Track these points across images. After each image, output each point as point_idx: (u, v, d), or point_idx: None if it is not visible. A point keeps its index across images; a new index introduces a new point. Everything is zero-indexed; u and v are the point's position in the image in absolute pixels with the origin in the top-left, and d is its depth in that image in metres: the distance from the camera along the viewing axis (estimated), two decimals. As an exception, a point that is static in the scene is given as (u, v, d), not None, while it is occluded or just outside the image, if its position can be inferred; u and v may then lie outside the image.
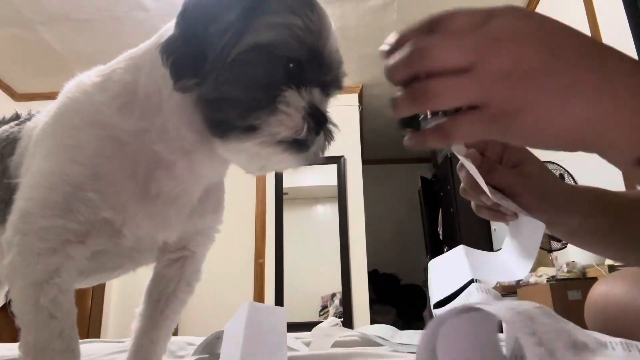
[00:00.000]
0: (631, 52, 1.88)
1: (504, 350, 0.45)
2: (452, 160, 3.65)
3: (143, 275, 0.74)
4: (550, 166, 1.64)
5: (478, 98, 0.35)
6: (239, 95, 0.50)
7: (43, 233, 0.53)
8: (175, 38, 0.52)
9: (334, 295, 3.56)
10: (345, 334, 1.08)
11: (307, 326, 1.20)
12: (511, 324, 0.32)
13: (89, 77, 0.61)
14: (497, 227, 3.36)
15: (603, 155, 0.35)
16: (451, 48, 0.35)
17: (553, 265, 2.37)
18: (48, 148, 0.58)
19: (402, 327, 1.21)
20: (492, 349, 0.44)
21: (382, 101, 4.17)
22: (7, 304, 0.62)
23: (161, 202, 0.59)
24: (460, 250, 0.53)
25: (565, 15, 2.52)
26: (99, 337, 3.33)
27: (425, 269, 4.40)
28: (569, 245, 2.20)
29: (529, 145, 0.39)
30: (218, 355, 0.56)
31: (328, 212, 3.86)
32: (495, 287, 0.50)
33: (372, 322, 3.05)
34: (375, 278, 4.67)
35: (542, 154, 0.57)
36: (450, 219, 3.73)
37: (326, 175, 3.72)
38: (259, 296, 3.47)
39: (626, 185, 1.79)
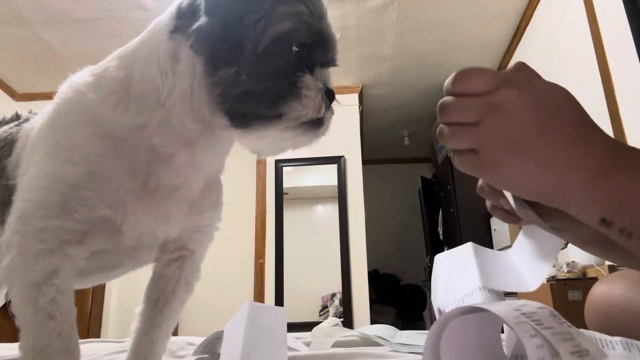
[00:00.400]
0: (631, 52, 1.88)
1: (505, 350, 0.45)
2: (452, 160, 3.65)
3: (143, 275, 0.74)
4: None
5: (474, 146, 0.43)
6: (267, 87, 0.52)
7: (41, 234, 0.53)
8: (211, 27, 0.53)
9: (334, 295, 3.56)
10: (345, 334, 1.08)
11: (307, 326, 1.21)
12: (514, 325, 0.32)
13: (82, 77, 0.61)
14: (497, 227, 3.36)
15: (571, 213, 0.41)
16: (461, 110, 0.43)
17: (553, 265, 2.37)
18: (44, 149, 0.58)
19: (402, 327, 1.21)
20: (495, 349, 0.44)
21: (382, 101, 4.18)
22: (7, 304, 0.62)
23: (160, 196, 0.59)
24: (468, 248, 0.52)
25: (565, 15, 2.52)
26: (99, 337, 3.34)
27: (425, 269, 4.40)
28: (569, 245, 2.20)
29: (511, 192, 0.46)
30: (218, 355, 0.56)
31: (328, 212, 3.87)
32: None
33: (372, 322, 3.05)
34: (375, 278, 4.67)
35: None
36: (450, 219, 3.73)
37: (326, 175, 3.72)
38: (259, 296, 3.47)
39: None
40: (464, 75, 0.43)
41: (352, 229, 3.56)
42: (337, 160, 3.68)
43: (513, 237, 2.91)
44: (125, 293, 3.71)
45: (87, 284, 0.73)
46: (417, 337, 0.93)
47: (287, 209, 3.67)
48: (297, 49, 0.55)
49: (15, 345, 0.56)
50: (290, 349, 0.90)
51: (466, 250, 0.51)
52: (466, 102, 0.43)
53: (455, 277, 0.50)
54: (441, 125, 0.46)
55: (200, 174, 0.63)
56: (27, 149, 0.64)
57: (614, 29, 2.06)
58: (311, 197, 4.01)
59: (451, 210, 3.68)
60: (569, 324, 0.33)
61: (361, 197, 3.64)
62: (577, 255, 2.10)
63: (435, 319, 0.45)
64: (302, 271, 3.58)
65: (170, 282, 0.69)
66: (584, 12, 2.28)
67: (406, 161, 5.38)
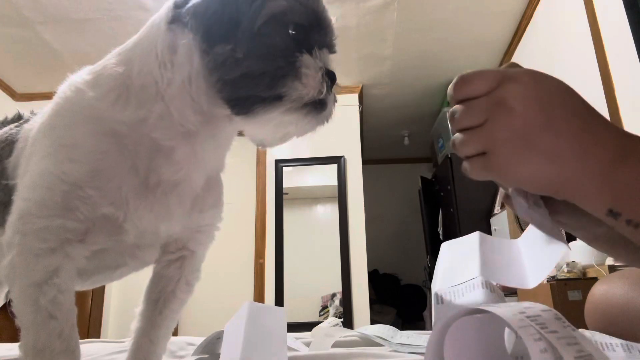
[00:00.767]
0: (631, 52, 1.88)
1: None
2: (452, 160, 3.65)
3: (143, 276, 0.74)
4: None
5: (483, 148, 0.42)
6: (265, 67, 0.52)
7: (42, 233, 0.53)
8: (207, 4, 0.53)
9: (334, 295, 3.56)
10: (345, 334, 1.08)
11: (307, 326, 1.21)
12: (519, 328, 0.32)
13: (80, 76, 0.62)
14: (498, 227, 3.36)
15: (580, 205, 0.41)
16: (467, 114, 0.43)
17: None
18: (45, 148, 0.58)
19: (402, 327, 1.21)
20: (499, 350, 0.44)
21: (382, 101, 4.17)
22: (7, 304, 0.62)
23: (161, 191, 0.59)
24: (475, 237, 0.51)
25: (565, 15, 2.52)
26: (99, 337, 3.34)
27: (425, 269, 4.40)
28: (569, 245, 2.20)
29: (515, 188, 0.46)
30: (218, 355, 0.56)
31: (328, 212, 3.86)
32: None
33: (372, 322, 3.05)
34: (375, 278, 4.67)
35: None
36: (450, 219, 3.73)
37: (326, 175, 3.72)
38: (259, 296, 3.47)
39: None
40: (464, 80, 0.44)
41: (352, 229, 3.55)
42: (337, 160, 3.67)
43: (513, 238, 2.90)
44: (125, 293, 3.71)
45: (90, 284, 0.73)
46: (417, 337, 0.93)
47: (287, 209, 3.67)
48: (294, 32, 0.54)
49: (15, 345, 0.56)
50: (290, 349, 0.90)
51: (472, 239, 0.51)
52: (470, 105, 0.43)
53: (456, 265, 0.49)
54: (453, 136, 0.46)
55: (201, 169, 0.62)
56: (27, 149, 0.64)
57: (614, 29, 2.06)
58: (311, 197, 4.01)
59: (451, 210, 3.68)
60: (573, 327, 0.33)
61: (361, 197, 3.64)
62: (577, 255, 2.10)
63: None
64: (302, 271, 3.58)
65: (171, 282, 0.69)
66: (584, 12, 2.28)
67: (406, 161, 5.38)
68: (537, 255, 0.49)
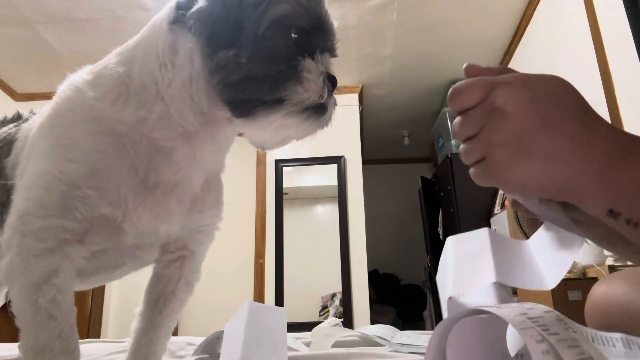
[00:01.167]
0: (631, 52, 1.87)
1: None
2: (452, 160, 3.65)
3: (143, 276, 0.74)
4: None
5: (482, 155, 0.43)
6: (267, 70, 0.52)
7: (41, 233, 0.53)
8: (211, 8, 0.52)
9: (334, 295, 3.56)
10: (345, 334, 1.08)
11: (307, 326, 1.21)
12: (520, 330, 0.32)
13: (80, 75, 0.62)
14: (498, 228, 3.36)
15: (580, 205, 0.41)
16: (465, 124, 0.44)
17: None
18: (43, 148, 0.58)
19: (402, 327, 1.21)
20: (501, 350, 0.44)
21: (382, 101, 4.17)
22: (7, 304, 0.62)
23: (161, 191, 0.59)
24: (484, 235, 0.48)
25: (565, 15, 2.52)
26: (99, 337, 3.33)
27: (425, 269, 4.40)
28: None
29: (517, 193, 0.46)
30: (218, 355, 0.56)
31: (328, 212, 3.86)
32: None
33: (372, 322, 3.05)
34: (375, 278, 4.67)
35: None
36: (450, 219, 3.73)
37: (326, 175, 3.72)
38: (259, 296, 3.47)
39: None
40: (456, 91, 0.44)
41: (352, 229, 3.55)
42: (337, 160, 3.67)
43: (513, 238, 2.90)
44: (125, 293, 3.71)
45: (90, 284, 0.73)
46: (417, 337, 0.93)
47: (287, 209, 3.66)
48: (296, 36, 0.54)
49: (15, 345, 0.56)
50: (290, 349, 0.90)
51: (482, 236, 0.48)
52: (467, 115, 0.44)
53: (469, 267, 0.46)
54: (460, 147, 0.47)
55: (200, 170, 0.62)
56: (26, 148, 0.64)
57: (614, 29, 2.06)
58: (311, 197, 4.01)
59: (451, 210, 3.68)
60: (574, 329, 0.33)
61: (361, 197, 3.64)
62: (577, 255, 2.10)
63: (435, 317, 0.45)
64: (302, 271, 3.58)
65: (171, 282, 0.69)
66: (584, 11, 2.28)
67: (406, 161, 5.38)
68: (553, 254, 0.47)
